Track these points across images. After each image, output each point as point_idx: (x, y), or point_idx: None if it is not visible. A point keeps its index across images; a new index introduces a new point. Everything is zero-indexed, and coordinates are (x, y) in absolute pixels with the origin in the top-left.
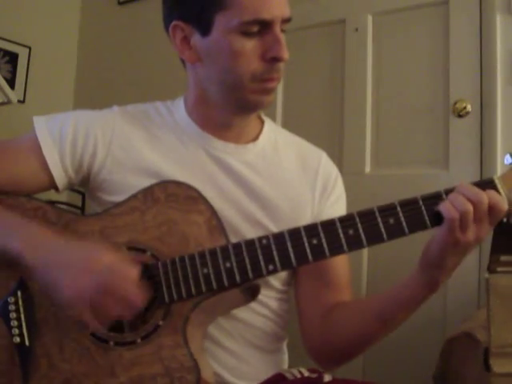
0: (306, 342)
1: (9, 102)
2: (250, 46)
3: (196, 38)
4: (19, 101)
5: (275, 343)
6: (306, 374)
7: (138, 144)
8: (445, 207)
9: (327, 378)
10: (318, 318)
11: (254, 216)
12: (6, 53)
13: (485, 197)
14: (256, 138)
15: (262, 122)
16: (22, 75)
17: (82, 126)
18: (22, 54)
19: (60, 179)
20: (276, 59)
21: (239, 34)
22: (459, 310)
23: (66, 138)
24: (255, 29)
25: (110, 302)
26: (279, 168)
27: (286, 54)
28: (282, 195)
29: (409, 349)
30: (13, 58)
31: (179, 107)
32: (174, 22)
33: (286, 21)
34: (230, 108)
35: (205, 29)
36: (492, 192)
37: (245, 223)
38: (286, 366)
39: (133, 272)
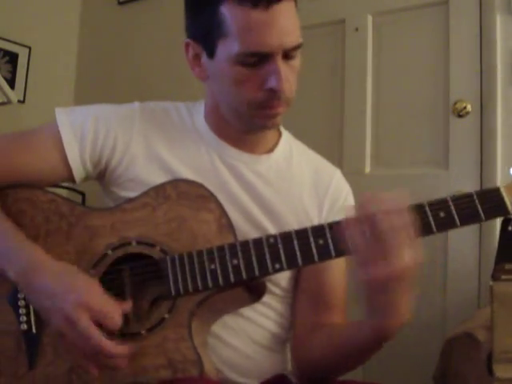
0: (291, 352)
1: (9, 102)
2: (248, 75)
3: (204, 59)
4: (19, 101)
5: (278, 344)
6: None
7: (156, 143)
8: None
9: None
10: (305, 333)
11: (263, 226)
12: (6, 53)
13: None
14: (271, 150)
15: (280, 134)
16: (21, 75)
17: (103, 122)
18: (22, 53)
19: (78, 173)
20: (273, 91)
21: (238, 63)
22: (459, 310)
23: (88, 134)
24: (253, 60)
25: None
26: (290, 182)
27: (283, 86)
28: (291, 209)
29: (409, 349)
30: (13, 58)
31: (199, 112)
32: (186, 40)
33: (295, 48)
34: (239, 126)
35: (210, 52)
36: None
37: (253, 231)
38: (288, 366)
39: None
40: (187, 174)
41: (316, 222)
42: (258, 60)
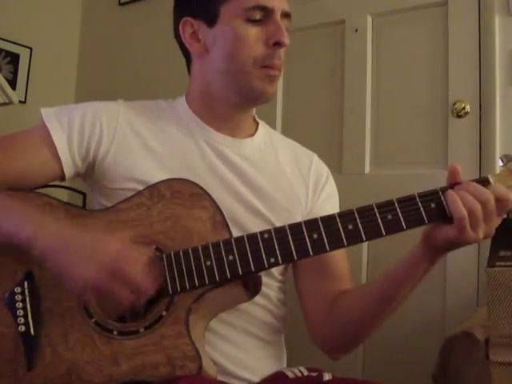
0: (313, 335)
1: (10, 102)
2: (253, 31)
3: (203, 31)
4: (20, 101)
5: (273, 335)
6: (306, 373)
7: (141, 131)
8: (454, 206)
9: (327, 376)
10: (321, 309)
11: (254, 206)
12: (8, 53)
13: (490, 195)
14: (252, 135)
15: (257, 124)
16: (23, 76)
17: (88, 113)
18: (24, 54)
19: (68, 167)
20: (278, 44)
21: (243, 21)
22: (458, 309)
23: (74, 124)
24: (258, 15)
25: (118, 288)
26: (275, 162)
27: (286, 40)
28: (278, 188)
29: (408, 348)
30: (14, 59)
31: (181, 102)
32: (184, 18)
33: (287, 16)
34: (231, 99)
35: (211, 19)
36: (494, 186)
37: (245, 213)
38: (284, 358)
39: (141, 257)
40: (175, 160)
41: (303, 197)
42: (262, 16)
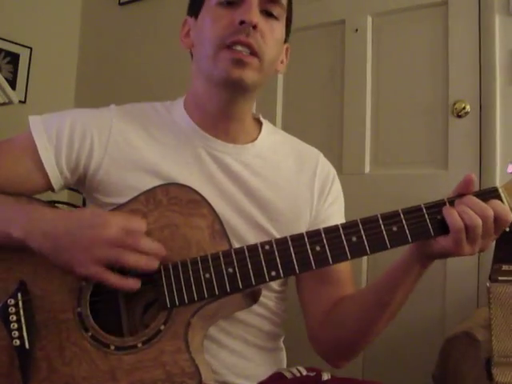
0: (313, 341)
1: (10, 102)
2: (224, 13)
3: (192, 25)
4: (20, 101)
5: (273, 341)
6: (304, 373)
7: (135, 143)
8: (450, 218)
9: (326, 376)
10: (321, 315)
11: (253, 217)
12: (8, 53)
13: (491, 212)
14: (254, 140)
15: (261, 125)
16: (23, 76)
17: (78, 125)
18: (24, 54)
19: (55, 179)
20: (242, 22)
21: (218, 6)
22: (458, 310)
23: (62, 137)
24: None
25: (126, 256)
26: (277, 169)
27: (253, 18)
28: (281, 196)
29: (408, 348)
30: (14, 59)
31: (178, 106)
32: (184, 18)
33: (272, 1)
34: (207, 92)
35: (196, 11)
36: (495, 203)
37: (244, 224)
38: (284, 363)
39: (141, 224)
40: (172, 171)
41: (308, 205)
42: (236, 0)
